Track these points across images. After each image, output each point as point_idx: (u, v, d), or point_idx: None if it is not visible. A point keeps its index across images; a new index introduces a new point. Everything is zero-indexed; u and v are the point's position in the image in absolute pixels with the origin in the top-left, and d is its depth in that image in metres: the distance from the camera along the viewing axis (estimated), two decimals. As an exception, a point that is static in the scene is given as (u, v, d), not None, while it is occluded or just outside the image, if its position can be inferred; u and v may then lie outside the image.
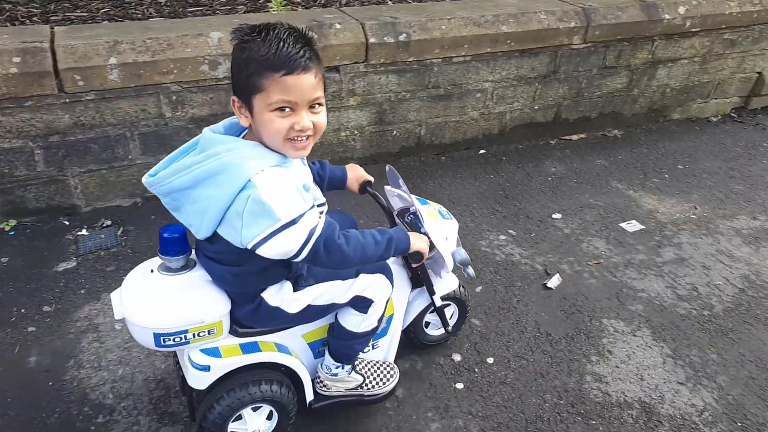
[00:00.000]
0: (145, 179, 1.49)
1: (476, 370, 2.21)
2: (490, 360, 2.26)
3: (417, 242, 1.69)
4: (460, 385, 2.15)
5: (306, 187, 1.47)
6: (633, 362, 2.28)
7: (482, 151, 3.73)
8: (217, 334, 1.61)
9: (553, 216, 3.13)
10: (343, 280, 1.70)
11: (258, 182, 1.35)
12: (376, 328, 1.82)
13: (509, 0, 3.52)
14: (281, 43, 1.34)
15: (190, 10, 3.32)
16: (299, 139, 1.42)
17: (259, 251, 1.40)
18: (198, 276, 1.61)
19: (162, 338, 1.56)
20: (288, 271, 1.63)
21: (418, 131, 3.48)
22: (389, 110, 3.31)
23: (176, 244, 1.57)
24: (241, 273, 1.55)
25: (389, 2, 3.75)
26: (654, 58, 3.85)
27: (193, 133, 2.87)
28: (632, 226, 3.09)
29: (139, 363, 2.16)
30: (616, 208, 3.24)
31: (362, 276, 1.72)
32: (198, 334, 1.58)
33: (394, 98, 3.28)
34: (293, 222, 1.39)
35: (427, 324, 2.22)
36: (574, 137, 3.97)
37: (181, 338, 1.56)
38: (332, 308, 1.74)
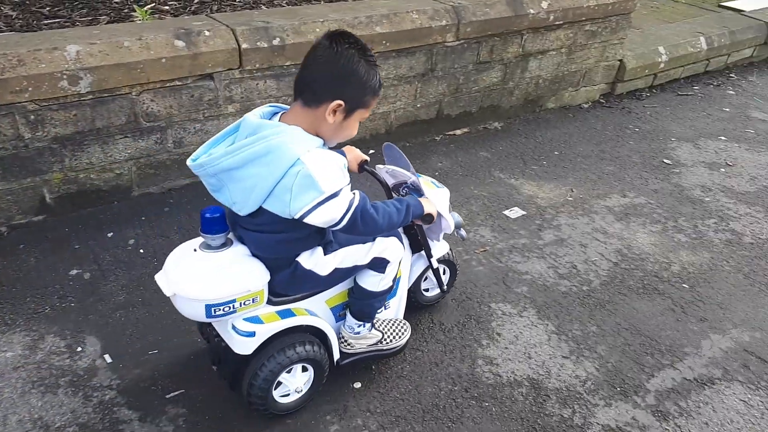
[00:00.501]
0: (189, 163, 1.66)
1: (373, 367, 2.23)
2: (386, 356, 2.28)
3: (428, 206, 1.96)
4: (357, 385, 2.16)
5: (345, 166, 1.67)
6: (521, 342, 2.38)
7: (371, 152, 3.76)
8: (259, 302, 1.81)
9: (441, 209, 3.21)
10: (363, 244, 1.94)
11: (307, 160, 1.55)
12: (391, 287, 2.06)
13: (381, 1, 3.57)
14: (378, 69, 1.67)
15: (45, 22, 3.10)
16: None
17: (306, 220, 1.60)
18: (238, 251, 1.79)
19: (213, 309, 1.72)
20: (322, 237, 1.86)
21: (303, 136, 3.45)
22: (271, 116, 3.25)
23: (217, 224, 1.73)
24: (284, 239, 1.75)
25: (262, 7, 3.70)
26: (524, 51, 4.04)
27: (57, 153, 2.70)
28: (515, 212, 3.22)
29: (12, 404, 2.00)
30: (499, 197, 3.36)
31: (379, 239, 1.96)
32: (244, 303, 1.76)
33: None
34: (335, 194, 1.60)
35: (425, 278, 2.43)
36: (458, 132, 4.09)
37: (229, 307, 1.74)
38: (355, 270, 1.96)
